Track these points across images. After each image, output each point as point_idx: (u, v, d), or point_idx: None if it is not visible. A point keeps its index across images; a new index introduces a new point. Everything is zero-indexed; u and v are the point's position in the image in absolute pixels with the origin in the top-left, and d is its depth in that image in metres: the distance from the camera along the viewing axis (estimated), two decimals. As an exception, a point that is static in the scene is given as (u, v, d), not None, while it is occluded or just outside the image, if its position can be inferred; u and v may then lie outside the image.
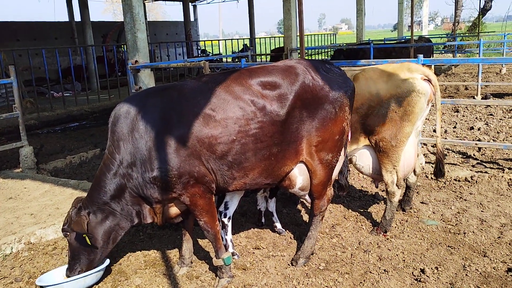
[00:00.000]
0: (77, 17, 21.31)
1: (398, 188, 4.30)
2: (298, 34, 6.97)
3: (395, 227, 4.48)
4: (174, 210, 3.57)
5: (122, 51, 20.47)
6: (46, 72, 14.47)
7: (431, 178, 5.76)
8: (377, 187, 4.88)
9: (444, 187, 5.55)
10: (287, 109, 3.39)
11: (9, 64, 11.11)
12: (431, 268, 3.63)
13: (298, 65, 3.57)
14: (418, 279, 3.51)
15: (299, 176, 3.69)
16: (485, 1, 27.10)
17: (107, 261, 3.69)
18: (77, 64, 18.76)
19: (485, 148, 6.90)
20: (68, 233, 3.48)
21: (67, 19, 23.16)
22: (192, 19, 29.49)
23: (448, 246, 4.02)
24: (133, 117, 3.28)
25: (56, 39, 22.52)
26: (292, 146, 3.50)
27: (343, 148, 3.85)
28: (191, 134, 3.21)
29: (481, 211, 4.74)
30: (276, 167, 3.50)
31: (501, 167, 6.12)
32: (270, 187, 4.25)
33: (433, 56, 17.07)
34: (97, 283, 3.66)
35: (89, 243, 3.41)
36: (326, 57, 23.32)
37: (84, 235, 3.38)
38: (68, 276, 3.51)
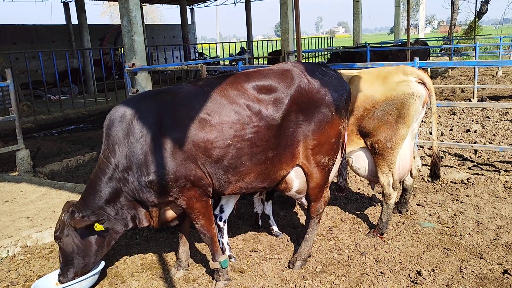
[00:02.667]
0: (74, 20, 21.37)
1: (394, 190, 4.31)
2: (295, 37, 6.98)
3: (392, 229, 4.49)
4: (170, 213, 3.56)
5: (119, 54, 20.47)
6: (43, 75, 14.48)
7: (428, 180, 5.78)
8: (373, 189, 4.89)
9: (440, 189, 5.57)
10: (282, 113, 3.38)
11: (6, 67, 11.09)
12: (428, 270, 3.64)
13: (294, 69, 3.57)
14: (415, 281, 3.52)
15: (295, 179, 3.70)
16: (481, 5, 27.24)
17: (103, 264, 3.67)
18: (74, 67, 18.80)
19: (481, 150, 6.94)
20: (62, 239, 3.40)
21: (64, 22, 23.20)
22: (189, 22, 29.52)
23: (445, 248, 4.03)
24: (129, 121, 3.27)
25: (53, 42, 22.54)
26: (288, 150, 3.49)
27: (339, 151, 3.86)
28: (186, 138, 3.21)
29: (477, 213, 4.75)
30: (272, 171, 3.50)
31: (497, 169, 6.15)
32: (267, 190, 4.25)
33: (429, 59, 17.13)
34: (93, 286, 3.64)
35: (103, 228, 3.34)
36: (323, 60, 23.40)
37: (95, 224, 3.29)
38: (60, 282, 3.45)
